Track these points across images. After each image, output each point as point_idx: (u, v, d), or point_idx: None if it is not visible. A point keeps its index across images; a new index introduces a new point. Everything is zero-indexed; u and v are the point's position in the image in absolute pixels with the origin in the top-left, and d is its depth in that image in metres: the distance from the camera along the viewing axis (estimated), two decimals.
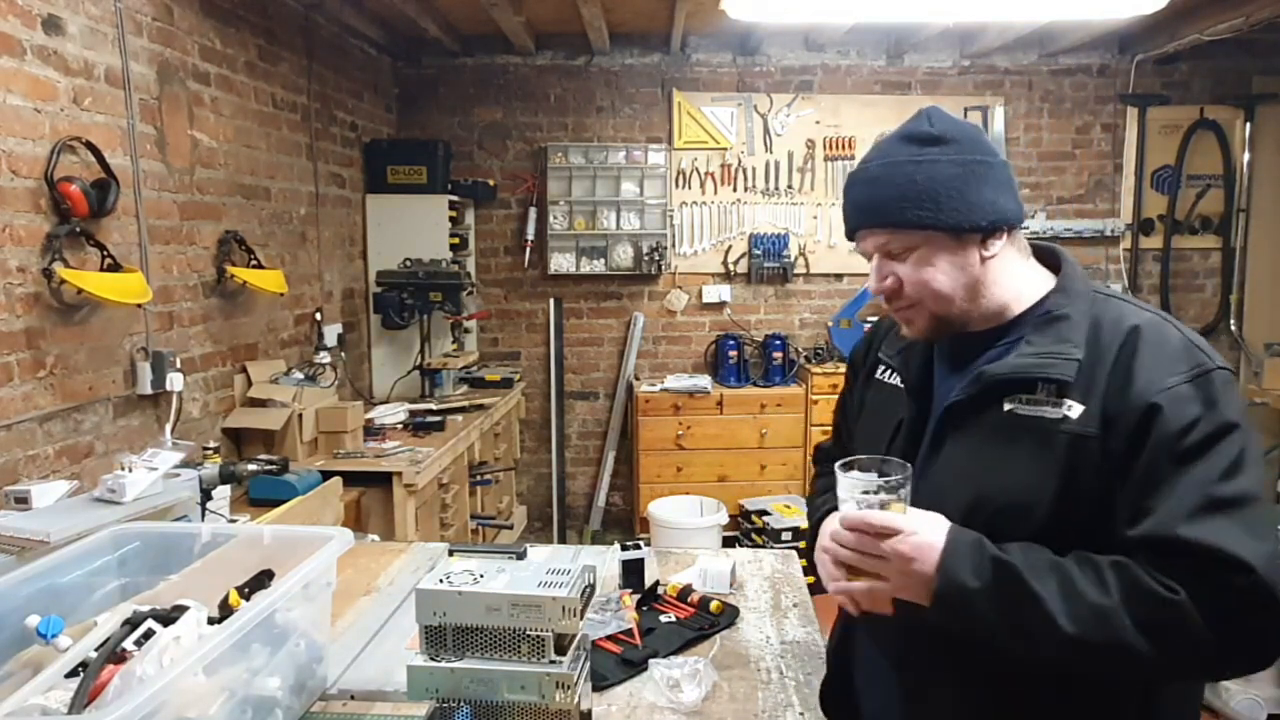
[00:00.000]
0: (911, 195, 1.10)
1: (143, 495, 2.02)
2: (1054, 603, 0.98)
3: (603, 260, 5.09)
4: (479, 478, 4.08)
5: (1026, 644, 1.00)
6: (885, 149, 1.16)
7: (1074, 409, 1.05)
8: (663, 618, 1.68)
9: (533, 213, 5.07)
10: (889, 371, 1.30)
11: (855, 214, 1.17)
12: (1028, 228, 5.00)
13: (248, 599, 1.18)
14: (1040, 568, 1.00)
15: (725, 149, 5.07)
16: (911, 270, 1.13)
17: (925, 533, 1.03)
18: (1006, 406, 1.09)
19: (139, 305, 2.61)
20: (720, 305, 5.19)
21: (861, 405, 1.37)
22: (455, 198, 4.79)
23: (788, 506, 4.53)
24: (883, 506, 1.04)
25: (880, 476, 1.05)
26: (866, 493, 1.05)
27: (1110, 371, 1.05)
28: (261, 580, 1.24)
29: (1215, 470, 0.98)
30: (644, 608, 1.72)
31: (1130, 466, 1.01)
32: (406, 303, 4.29)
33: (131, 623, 1.11)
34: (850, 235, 1.20)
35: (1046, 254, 1.21)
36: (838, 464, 1.09)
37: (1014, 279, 1.15)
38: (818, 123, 5.07)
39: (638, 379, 5.14)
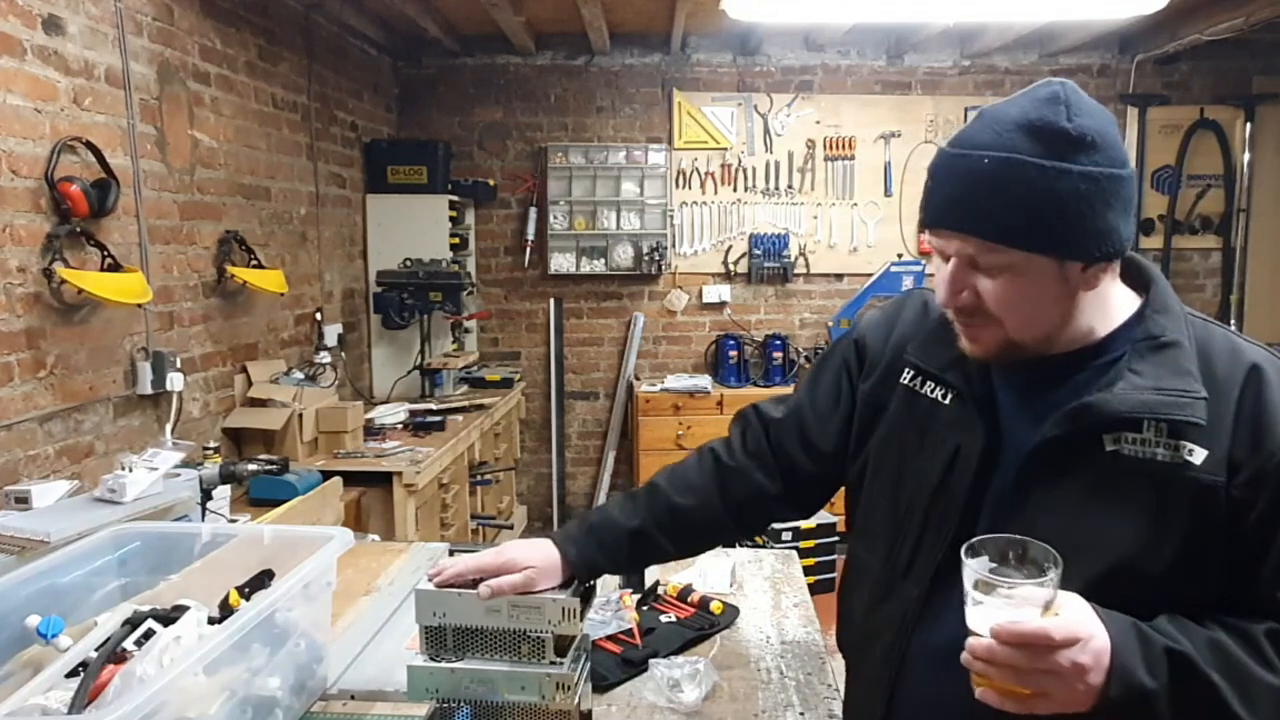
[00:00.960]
0: (1028, 212, 0.91)
1: (143, 495, 2.02)
2: (1227, 690, 0.88)
3: (603, 260, 5.09)
4: (479, 478, 4.08)
5: None
6: (1005, 138, 0.93)
7: (1196, 453, 0.92)
8: (663, 618, 1.68)
9: (533, 213, 5.08)
10: (930, 384, 1.10)
11: (946, 210, 0.97)
12: None
13: (248, 599, 1.18)
14: (1204, 648, 0.89)
15: (725, 149, 5.07)
16: (998, 289, 0.95)
17: (1093, 631, 0.86)
18: (1109, 447, 0.94)
19: (139, 305, 2.61)
20: (720, 305, 5.19)
21: (874, 409, 1.17)
22: (455, 198, 4.79)
23: None
24: (1045, 608, 0.85)
25: (1041, 573, 0.87)
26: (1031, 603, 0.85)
27: (1235, 415, 0.93)
28: (262, 580, 1.24)
29: None
30: (644, 608, 1.72)
31: (1276, 521, 0.91)
32: (407, 303, 4.29)
33: (132, 623, 1.11)
34: (927, 226, 1.00)
35: (1126, 262, 1.03)
36: (974, 558, 0.87)
37: (1105, 298, 1.00)
38: (818, 123, 5.07)
39: (638, 379, 5.14)
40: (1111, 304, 1.01)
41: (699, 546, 1.39)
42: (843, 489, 1.27)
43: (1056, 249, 0.93)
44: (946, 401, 1.08)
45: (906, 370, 1.13)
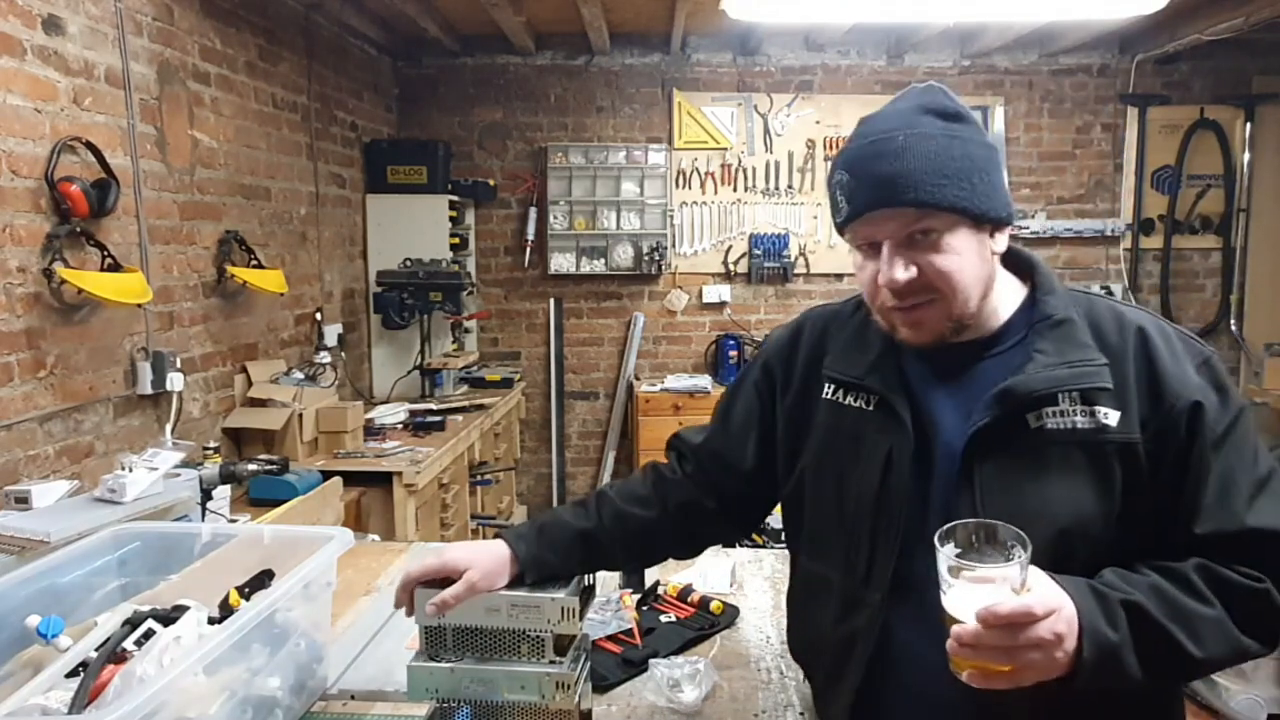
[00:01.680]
0: (950, 171, 0.99)
1: (143, 495, 2.02)
2: (1177, 630, 0.93)
3: (603, 260, 5.09)
4: (479, 478, 4.08)
5: (1161, 679, 0.96)
6: (907, 119, 1.02)
7: (1110, 416, 1.00)
8: (663, 618, 1.68)
9: (533, 213, 5.08)
10: (851, 394, 1.14)
11: (875, 190, 1.01)
12: (1026, 228, 5.02)
13: (248, 599, 1.18)
14: (1150, 595, 0.94)
15: (725, 149, 5.07)
16: (937, 257, 1.01)
17: (1061, 599, 0.90)
18: (1034, 424, 1.01)
19: (139, 305, 2.61)
20: (720, 305, 5.19)
21: (798, 426, 1.20)
22: (455, 198, 4.79)
23: None
24: (1021, 587, 0.89)
25: (1009, 553, 0.90)
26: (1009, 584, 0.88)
27: (1136, 374, 1.02)
28: (262, 580, 1.24)
29: (1248, 454, 1.00)
30: (644, 608, 1.72)
31: (1184, 466, 0.99)
32: (407, 303, 4.29)
33: (132, 623, 1.11)
34: (855, 217, 1.04)
35: (1007, 252, 1.11)
36: (947, 546, 0.91)
37: (1000, 282, 1.09)
38: (818, 123, 5.07)
39: (638, 379, 5.14)
40: (1004, 289, 1.09)
41: (644, 556, 1.44)
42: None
43: (977, 205, 1.01)
44: (870, 408, 1.12)
45: (826, 384, 1.18)
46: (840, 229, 1.09)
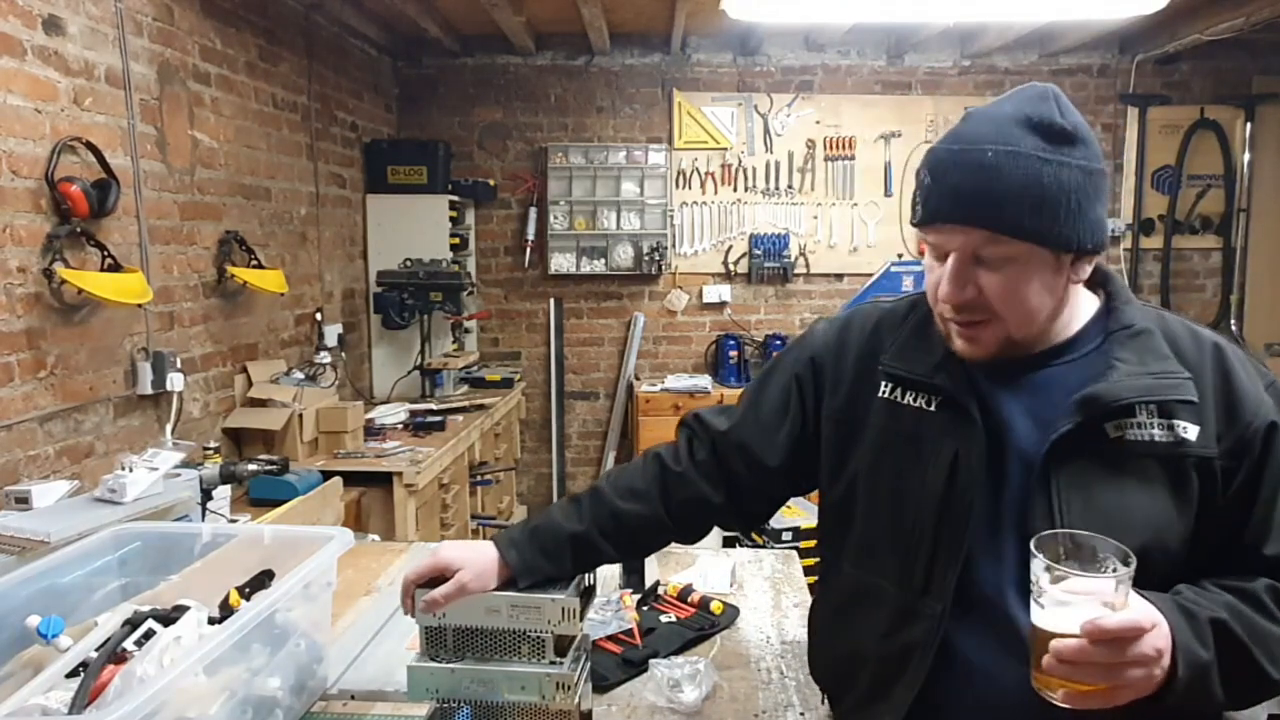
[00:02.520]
0: (1034, 201, 0.93)
1: (143, 495, 2.02)
2: (1256, 650, 0.92)
3: (603, 260, 5.09)
4: (479, 478, 4.08)
5: (1237, 700, 0.95)
6: (1004, 132, 0.96)
7: (1190, 430, 0.97)
8: (663, 618, 1.68)
9: (533, 213, 5.07)
10: (912, 393, 1.09)
11: (951, 203, 0.97)
12: None
13: (248, 599, 1.18)
14: (1232, 614, 0.93)
15: (725, 149, 5.07)
16: (1004, 283, 0.97)
17: (1157, 615, 0.88)
18: (1113, 434, 0.98)
19: (139, 305, 2.61)
20: (720, 305, 5.19)
21: (849, 429, 1.14)
22: (455, 198, 4.79)
23: (788, 506, 4.53)
24: (1125, 600, 0.86)
25: (1111, 567, 0.87)
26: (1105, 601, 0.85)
27: (1214, 390, 1.00)
28: (262, 580, 1.24)
29: None
30: (644, 608, 1.72)
31: (1256, 485, 0.98)
32: (407, 303, 4.29)
33: (132, 623, 1.11)
34: (927, 223, 1.00)
35: None
36: (1044, 556, 0.86)
37: (1077, 294, 1.05)
38: (818, 123, 5.07)
39: (638, 379, 5.14)
40: (1078, 302, 1.05)
41: (641, 551, 1.40)
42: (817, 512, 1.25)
43: (1058, 239, 0.95)
44: (933, 409, 1.07)
45: (884, 383, 1.12)
46: (914, 226, 1.04)
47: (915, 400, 1.09)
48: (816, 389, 1.19)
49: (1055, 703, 0.86)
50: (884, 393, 1.11)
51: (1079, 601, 0.84)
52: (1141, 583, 0.89)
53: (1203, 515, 0.98)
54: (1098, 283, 1.09)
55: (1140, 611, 0.85)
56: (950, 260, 0.99)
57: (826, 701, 1.28)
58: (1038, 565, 0.86)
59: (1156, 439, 0.97)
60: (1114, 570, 0.86)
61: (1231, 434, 0.98)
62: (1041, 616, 0.86)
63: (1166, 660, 0.87)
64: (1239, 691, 0.94)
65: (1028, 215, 0.93)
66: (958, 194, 0.96)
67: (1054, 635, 0.85)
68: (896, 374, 1.11)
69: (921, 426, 1.07)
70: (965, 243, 0.97)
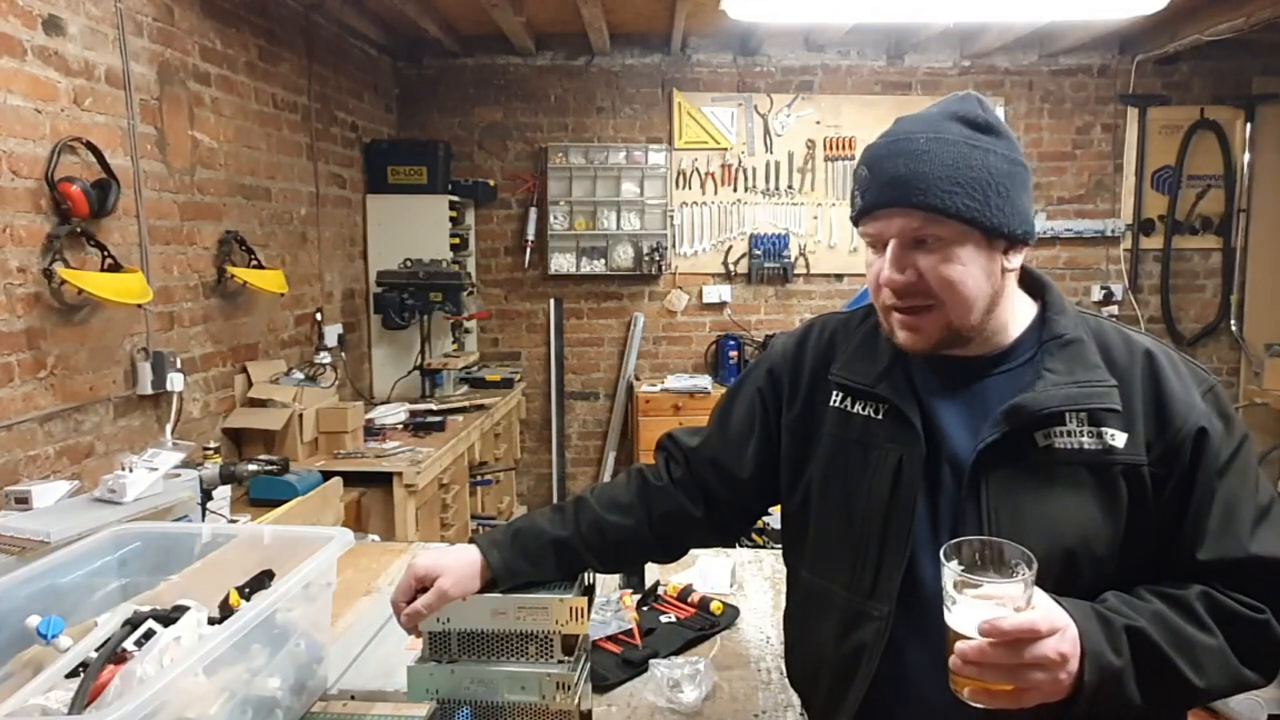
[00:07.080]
0: (964, 180, 0.98)
1: (143, 495, 2.02)
2: (1178, 659, 0.93)
3: (603, 260, 5.09)
4: (479, 478, 4.08)
5: (1160, 707, 0.96)
6: (934, 124, 1.02)
7: (1118, 438, 0.99)
8: (663, 618, 1.68)
9: (533, 213, 5.08)
10: (860, 402, 1.13)
11: (888, 188, 1.01)
12: None
13: (248, 599, 1.18)
14: (1152, 622, 0.94)
15: (725, 149, 5.07)
16: (940, 265, 1.00)
17: (1066, 619, 0.90)
18: (1042, 442, 1.01)
19: (139, 305, 2.61)
20: (720, 305, 5.19)
21: (804, 437, 1.18)
22: (455, 198, 4.79)
23: None
24: (1026, 605, 0.88)
25: (1013, 573, 0.89)
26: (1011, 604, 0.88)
27: (1143, 397, 1.01)
28: (262, 580, 1.24)
29: (1251, 482, 1.00)
30: (644, 608, 1.72)
31: (1188, 491, 0.99)
32: (407, 303, 4.29)
33: (132, 623, 1.11)
34: (866, 213, 1.05)
35: (1021, 271, 1.11)
36: (952, 562, 0.90)
37: (1012, 300, 1.08)
38: (818, 123, 5.07)
39: (638, 379, 5.14)
40: (1016, 308, 1.09)
41: (622, 563, 1.41)
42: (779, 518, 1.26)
43: (988, 221, 0.99)
44: (880, 417, 1.11)
45: (834, 392, 1.16)
46: (854, 222, 1.09)
47: (863, 409, 1.12)
48: (776, 401, 1.23)
49: (965, 701, 0.90)
50: (835, 402, 1.16)
51: (984, 605, 0.88)
52: (1069, 588, 0.94)
53: (1133, 522, 0.99)
54: (1037, 292, 1.12)
55: (1040, 614, 0.87)
56: (890, 245, 1.03)
57: (801, 707, 1.30)
58: (947, 572, 0.89)
59: (1085, 446, 1.00)
60: (1022, 575, 0.88)
61: (1162, 441, 1.00)
62: (950, 619, 0.90)
63: (1074, 665, 0.89)
64: (1161, 698, 0.94)
65: (960, 194, 0.98)
66: (894, 179, 1.01)
67: (960, 636, 0.89)
68: (844, 383, 1.15)
69: (869, 434, 1.11)
70: (904, 225, 1.01)
